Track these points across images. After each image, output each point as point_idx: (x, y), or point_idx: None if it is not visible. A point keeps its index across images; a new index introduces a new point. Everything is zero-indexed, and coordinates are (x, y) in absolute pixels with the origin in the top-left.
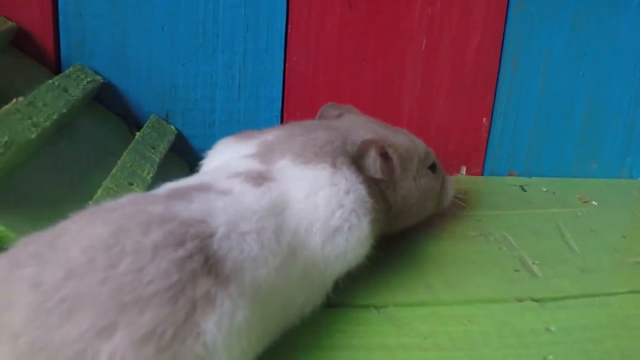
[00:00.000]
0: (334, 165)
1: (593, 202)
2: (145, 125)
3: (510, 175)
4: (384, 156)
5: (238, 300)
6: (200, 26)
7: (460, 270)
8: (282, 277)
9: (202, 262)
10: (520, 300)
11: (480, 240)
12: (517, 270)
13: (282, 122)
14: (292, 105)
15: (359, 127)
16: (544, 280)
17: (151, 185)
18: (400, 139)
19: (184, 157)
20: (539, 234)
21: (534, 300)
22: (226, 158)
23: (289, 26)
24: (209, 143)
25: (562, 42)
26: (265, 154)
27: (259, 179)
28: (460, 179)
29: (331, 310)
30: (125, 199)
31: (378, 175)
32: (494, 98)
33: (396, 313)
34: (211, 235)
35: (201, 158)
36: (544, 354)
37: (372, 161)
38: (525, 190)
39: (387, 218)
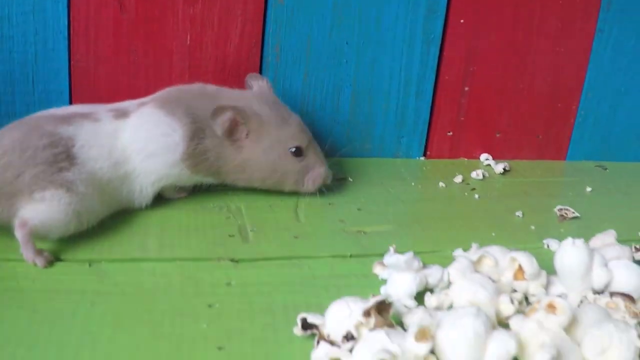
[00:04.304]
0: (169, 112)
1: (349, 179)
2: None
3: None
4: (235, 122)
5: (84, 178)
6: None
7: (179, 235)
8: (112, 173)
9: (66, 155)
10: (219, 259)
11: (213, 210)
12: (232, 236)
13: None
14: (78, 95)
15: (237, 98)
16: (253, 244)
17: None
18: (265, 111)
19: None
20: (274, 206)
21: (232, 260)
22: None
23: (71, 29)
24: None
25: (323, 32)
26: (148, 101)
27: (122, 114)
28: None
29: (54, 265)
30: (38, 115)
31: (219, 132)
32: None
33: (105, 267)
34: (73, 145)
35: None
36: (213, 302)
37: (220, 122)
38: None
39: (217, 167)
